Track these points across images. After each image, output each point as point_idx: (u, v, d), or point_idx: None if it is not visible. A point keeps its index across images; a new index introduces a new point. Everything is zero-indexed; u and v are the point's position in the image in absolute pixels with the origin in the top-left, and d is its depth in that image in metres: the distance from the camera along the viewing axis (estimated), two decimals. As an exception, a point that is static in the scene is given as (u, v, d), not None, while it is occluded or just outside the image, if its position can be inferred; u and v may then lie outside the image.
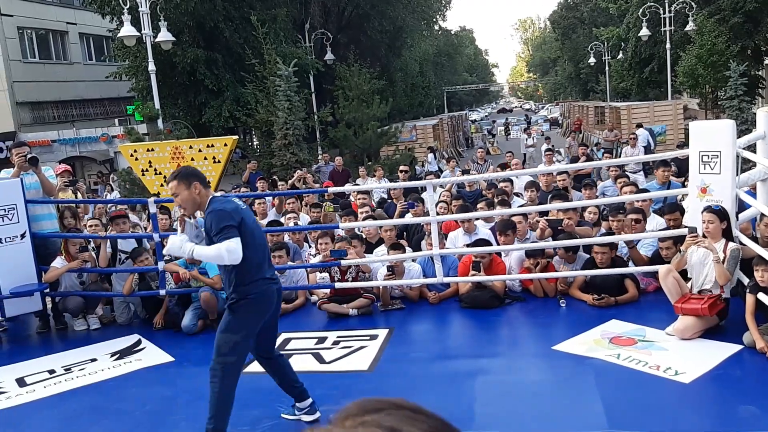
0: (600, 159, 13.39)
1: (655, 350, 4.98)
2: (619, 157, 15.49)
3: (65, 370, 5.68)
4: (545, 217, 6.96)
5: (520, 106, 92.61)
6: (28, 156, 6.68)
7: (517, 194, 9.17)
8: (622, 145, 19.50)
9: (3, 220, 6.35)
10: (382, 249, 7.25)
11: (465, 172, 13.17)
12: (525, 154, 22.76)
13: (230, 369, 4.00)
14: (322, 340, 5.89)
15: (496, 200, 7.87)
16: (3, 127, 27.60)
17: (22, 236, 6.49)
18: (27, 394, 5.22)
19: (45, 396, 5.14)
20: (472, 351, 5.50)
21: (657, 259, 6.21)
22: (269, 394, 4.80)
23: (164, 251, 4.01)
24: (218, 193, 4.58)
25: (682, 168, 9.44)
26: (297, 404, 4.35)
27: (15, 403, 5.07)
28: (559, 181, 9.03)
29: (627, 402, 4.28)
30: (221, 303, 6.63)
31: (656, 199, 7.56)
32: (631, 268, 6.25)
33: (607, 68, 38.63)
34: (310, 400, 4.33)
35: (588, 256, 6.54)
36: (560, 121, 48.13)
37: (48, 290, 6.77)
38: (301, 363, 5.35)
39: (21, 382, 5.47)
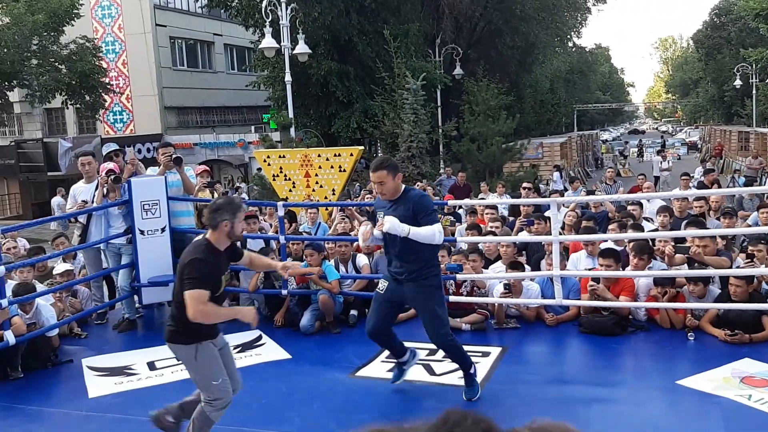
0: (740, 187, 12.53)
1: (793, 395, 4.58)
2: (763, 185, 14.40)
3: (192, 358, 6.02)
4: (671, 244, 6.56)
5: (656, 128, 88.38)
6: (173, 156, 7.18)
7: (647, 219, 8.75)
8: (767, 173, 18.14)
9: (147, 214, 6.87)
10: (498, 265, 7.14)
11: (590, 192, 12.75)
12: (658, 177, 21.68)
13: (451, 338, 4.77)
14: (433, 351, 5.87)
15: (628, 223, 7.56)
16: (152, 129, 29.87)
17: (163, 230, 6.98)
18: (156, 377, 5.59)
19: (172, 381, 5.47)
20: (590, 378, 5.29)
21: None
22: (379, 398, 4.88)
23: (384, 228, 4.49)
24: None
25: None
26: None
27: (145, 384, 5.45)
28: (696, 207, 8.52)
29: (758, 448, 3.97)
30: (338, 306, 6.81)
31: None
32: (771, 305, 5.79)
33: (754, 92, 36.05)
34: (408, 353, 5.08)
35: (719, 291, 6.13)
36: (699, 146, 45.48)
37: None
38: (411, 373, 5.36)
39: (152, 365, 5.87)
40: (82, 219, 7.11)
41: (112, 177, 6.79)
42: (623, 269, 6.49)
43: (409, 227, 4.43)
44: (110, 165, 6.97)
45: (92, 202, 6.94)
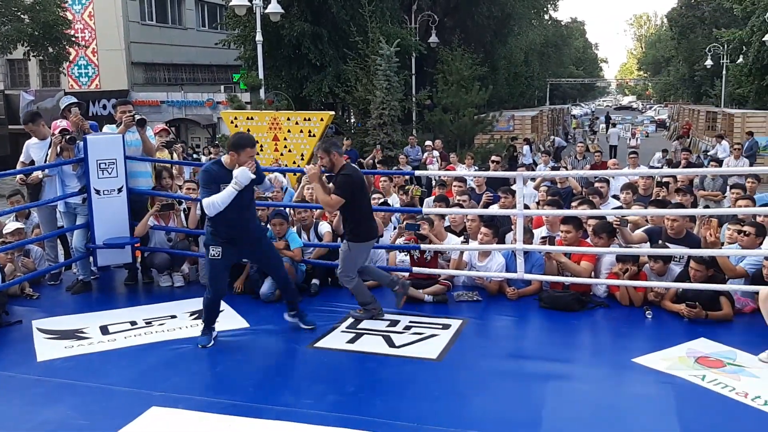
0: (707, 167, 12.68)
1: (744, 376, 4.64)
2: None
3: (146, 323, 5.89)
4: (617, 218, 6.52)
5: (628, 105, 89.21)
6: (137, 117, 6.92)
7: (615, 197, 8.76)
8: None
9: (103, 173, 6.63)
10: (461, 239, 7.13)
11: (555, 168, 12.79)
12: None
13: (209, 295, 5.35)
14: (394, 323, 5.84)
15: (593, 200, 7.56)
16: (118, 85, 29.11)
17: (119, 190, 6.75)
18: (108, 342, 5.44)
19: (124, 346, 5.34)
20: (547, 353, 5.29)
21: (758, 278, 5.77)
22: (336, 370, 4.83)
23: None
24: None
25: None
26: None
27: (97, 349, 5.30)
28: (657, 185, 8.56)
29: (707, 427, 4.02)
30: (299, 275, 6.72)
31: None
32: (728, 286, 5.83)
33: (724, 72, 36.39)
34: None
35: (679, 269, 6.17)
36: (667, 124, 46.00)
37: (138, 244, 7.04)
38: (370, 344, 5.33)
39: (104, 330, 5.72)
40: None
41: (67, 137, 6.52)
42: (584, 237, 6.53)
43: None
44: (63, 123, 6.69)
45: (45, 160, 6.67)
